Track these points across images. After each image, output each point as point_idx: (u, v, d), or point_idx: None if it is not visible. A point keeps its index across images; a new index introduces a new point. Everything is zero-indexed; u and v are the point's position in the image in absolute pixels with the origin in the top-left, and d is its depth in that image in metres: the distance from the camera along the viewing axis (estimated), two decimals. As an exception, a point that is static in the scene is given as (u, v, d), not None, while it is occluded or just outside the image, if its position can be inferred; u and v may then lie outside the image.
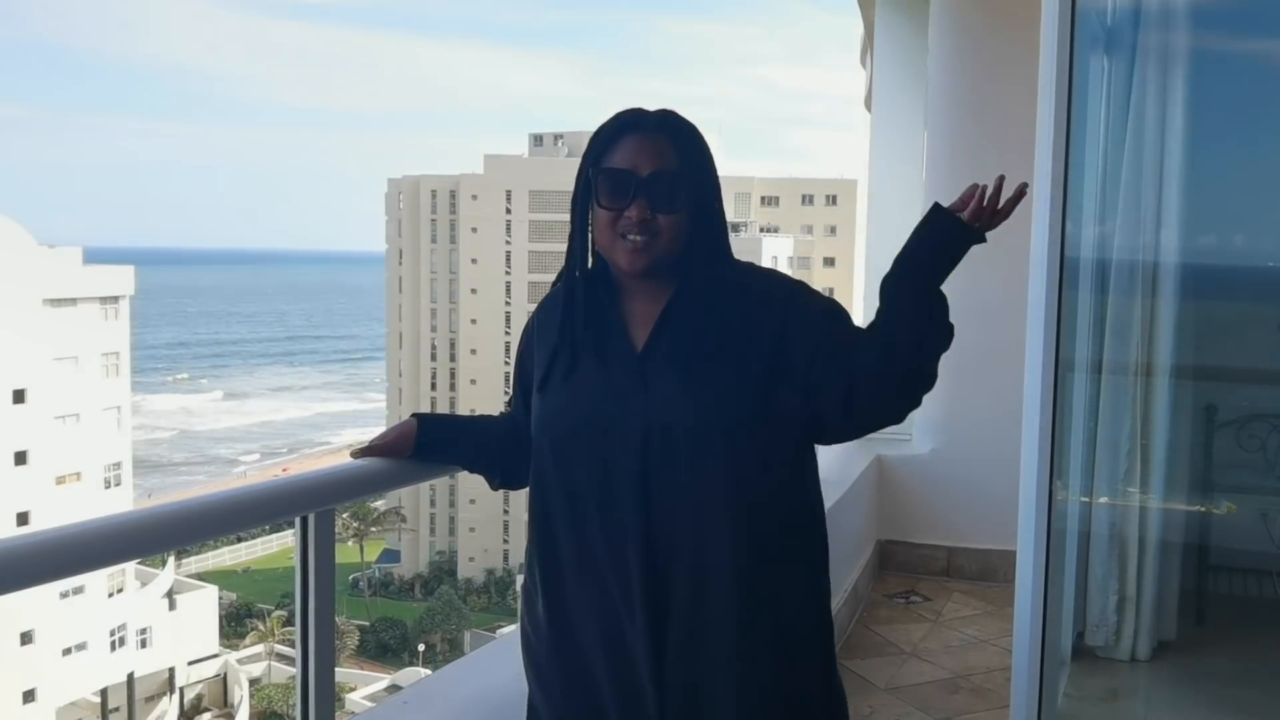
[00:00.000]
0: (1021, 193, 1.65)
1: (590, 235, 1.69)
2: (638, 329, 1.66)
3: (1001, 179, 1.61)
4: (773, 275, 1.71)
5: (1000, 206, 1.61)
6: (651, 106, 1.71)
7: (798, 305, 1.65)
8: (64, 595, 27.91)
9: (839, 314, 1.67)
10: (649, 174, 1.62)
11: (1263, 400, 3.91)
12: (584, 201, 1.67)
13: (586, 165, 1.67)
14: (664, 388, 1.61)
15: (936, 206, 1.62)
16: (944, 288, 1.62)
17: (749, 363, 1.61)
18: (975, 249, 1.63)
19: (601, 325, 1.68)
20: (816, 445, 1.71)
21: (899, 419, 1.66)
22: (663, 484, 1.59)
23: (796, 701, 1.68)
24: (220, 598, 39.41)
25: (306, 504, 1.78)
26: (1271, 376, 3.88)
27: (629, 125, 1.66)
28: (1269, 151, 3.64)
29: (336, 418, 79.90)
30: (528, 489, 1.75)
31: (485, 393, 57.93)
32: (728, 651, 1.62)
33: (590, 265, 1.70)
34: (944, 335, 1.62)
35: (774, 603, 1.64)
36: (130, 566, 30.55)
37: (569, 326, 1.69)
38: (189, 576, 40.84)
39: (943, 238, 1.60)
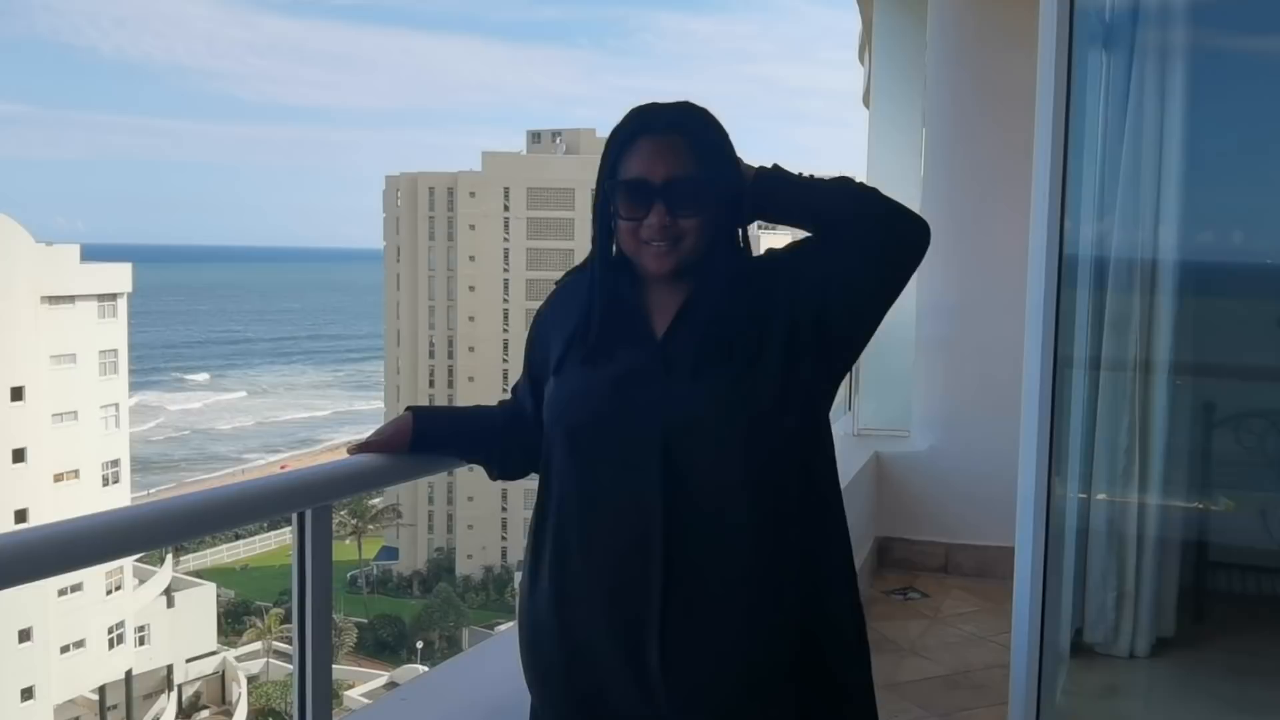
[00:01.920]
0: None
1: (610, 236, 1.69)
2: (658, 318, 1.67)
3: None
4: (772, 251, 1.72)
5: None
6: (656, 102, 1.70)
7: (795, 252, 1.69)
8: (62, 593, 27.92)
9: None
10: (664, 181, 1.61)
11: (1261, 397, 3.91)
12: (604, 209, 1.68)
13: (603, 175, 1.67)
14: (685, 376, 1.61)
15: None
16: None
17: (768, 346, 1.61)
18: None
19: (622, 313, 1.68)
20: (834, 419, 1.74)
21: (899, 240, 1.65)
22: (684, 472, 1.59)
23: (817, 698, 1.65)
24: (218, 595, 39.42)
25: (303, 500, 1.78)
26: (1270, 373, 3.88)
27: (641, 128, 1.66)
28: (1267, 148, 3.64)
29: (354, 416, 79.78)
30: (537, 475, 1.73)
31: (483, 390, 57.87)
32: (749, 642, 1.61)
33: (612, 254, 1.70)
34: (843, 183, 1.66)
35: (798, 588, 1.63)
36: (128, 564, 30.56)
37: (590, 312, 1.69)
38: (187, 574, 40.90)
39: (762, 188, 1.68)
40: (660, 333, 1.65)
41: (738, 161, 1.69)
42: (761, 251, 1.74)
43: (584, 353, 1.67)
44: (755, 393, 1.60)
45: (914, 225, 1.64)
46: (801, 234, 1.71)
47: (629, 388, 1.63)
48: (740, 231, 1.70)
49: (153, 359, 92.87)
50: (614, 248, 1.70)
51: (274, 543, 54.36)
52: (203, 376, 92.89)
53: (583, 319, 1.69)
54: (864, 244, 1.62)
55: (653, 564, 1.59)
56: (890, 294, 1.67)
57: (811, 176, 1.69)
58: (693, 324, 1.63)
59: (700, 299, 1.65)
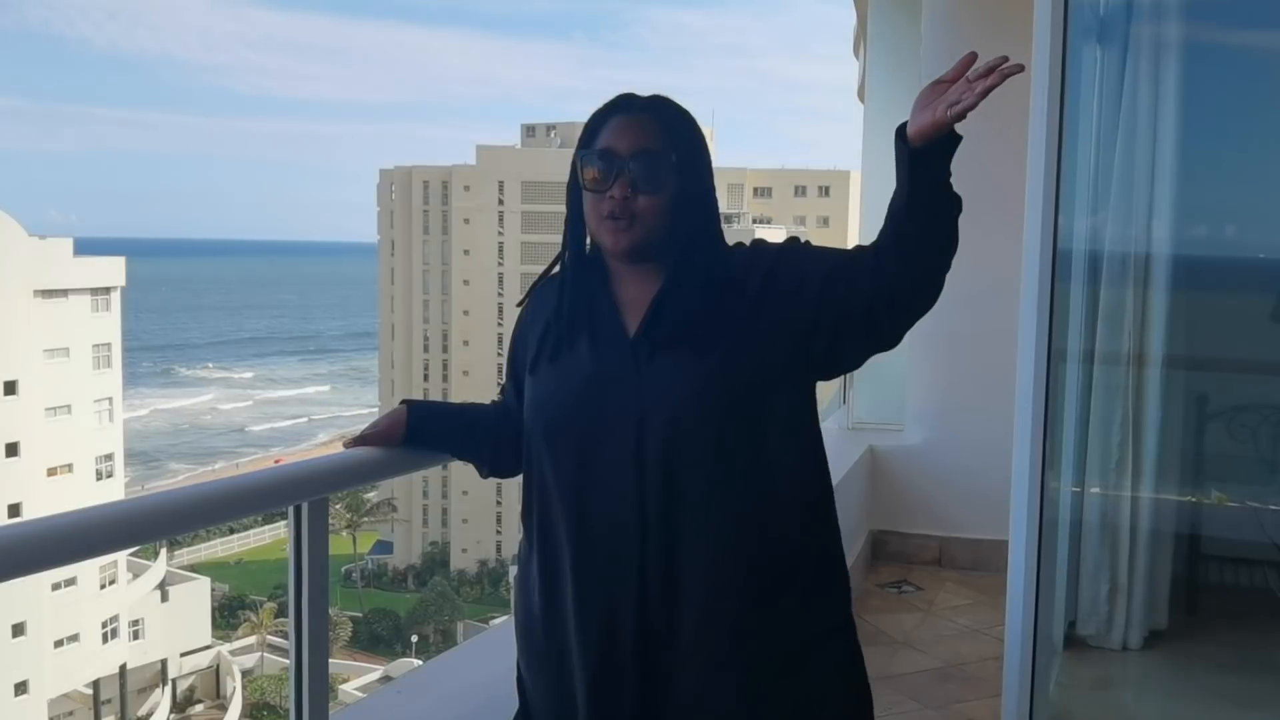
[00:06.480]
0: (1009, 71, 1.47)
1: (583, 227, 1.69)
2: (630, 314, 1.66)
3: (1000, 60, 1.47)
4: (760, 243, 1.70)
5: (983, 87, 1.46)
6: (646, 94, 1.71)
7: (787, 255, 1.64)
8: (56, 587, 27.88)
9: (832, 249, 1.66)
10: (630, 153, 1.62)
11: (1254, 391, 3.92)
12: (576, 187, 1.68)
13: (577, 150, 1.68)
14: (657, 373, 1.60)
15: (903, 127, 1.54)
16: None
17: (744, 341, 1.60)
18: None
19: (593, 309, 1.68)
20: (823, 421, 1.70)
21: (911, 323, 1.61)
22: (656, 471, 1.58)
23: (805, 699, 1.65)
24: (212, 589, 39.38)
25: (299, 494, 1.78)
26: (1263, 367, 3.89)
27: (617, 108, 1.68)
28: (1260, 143, 3.65)
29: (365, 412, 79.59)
30: (521, 474, 1.74)
31: (478, 385, 57.82)
32: (729, 643, 1.61)
33: (585, 250, 1.71)
34: (946, 240, 1.55)
35: (777, 587, 1.62)
36: (122, 558, 30.51)
37: (560, 310, 1.69)
38: (181, 568, 40.80)
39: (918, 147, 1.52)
40: (633, 327, 1.65)
41: (707, 156, 1.69)
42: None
43: (555, 351, 1.68)
44: (728, 388, 1.59)
45: (928, 297, 1.58)
46: (795, 232, 1.69)
47: (602, 385, 1.63)
48: (716, 226, 1.69)
49: (167, 355, 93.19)
50: (587, 241, 1.70)
51: (268, 537, 54.33)
52: (248, 374, 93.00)
53: (554, 317, 1.69)
54: (884, 280, 1.55)
55: (631, 558, 1.59)
56: (875, 343, 1.62)
57: (950, 192, 1.54)
58: (664, 319, 1.62)
59: (671, 292, 1.63)
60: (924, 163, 1.51)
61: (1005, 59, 1.47)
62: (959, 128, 1.50)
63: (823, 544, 1.70)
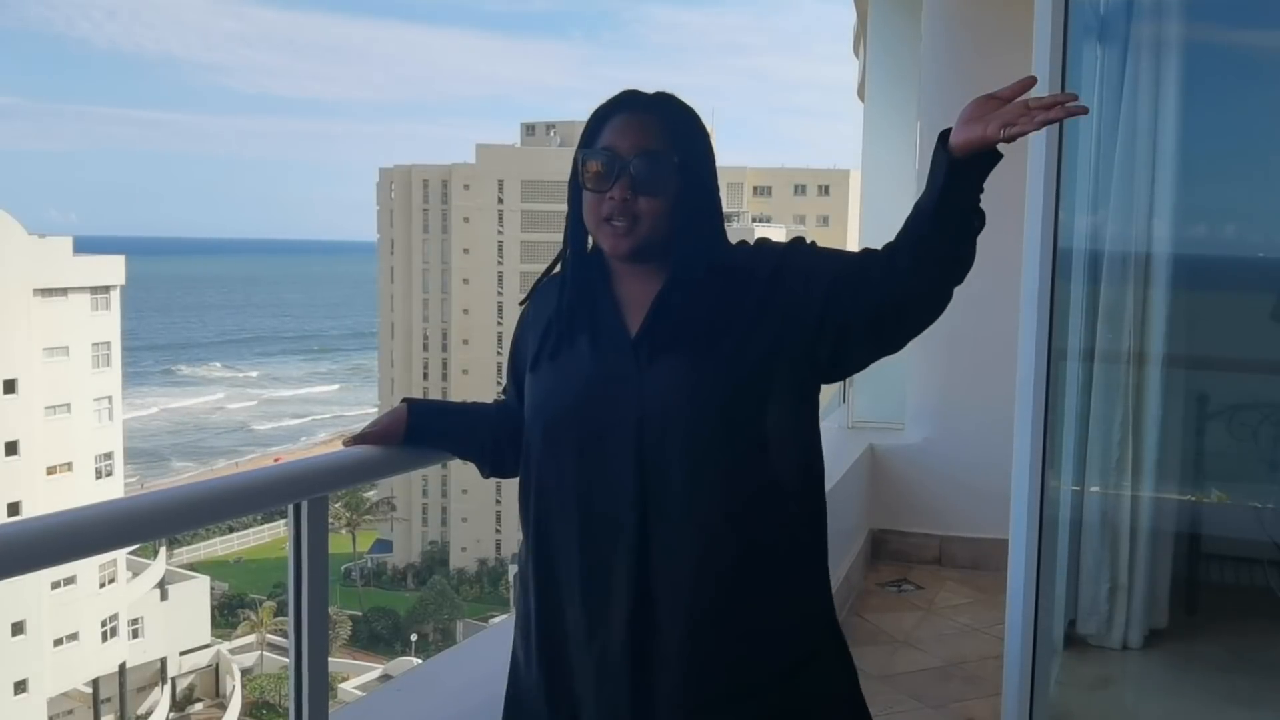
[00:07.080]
0: (1074, 111, 1.47)
1: (584, 226, 1.68)
2: (631, 312, 1.65)
3: (1065, 96, 1.49)
4: (765, 242, 1.69)
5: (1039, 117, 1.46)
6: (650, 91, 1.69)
7: (793, 255, 1.63)
8: (55, 585, 27.88)
9: (839, 251, 1.66)
10: (633, 154, 1.60)
11: (1254, 390, 3.92)
12: (577, 185, 1.67)
13: (579, 147, 1.66)
14: (659, 373, 1.60)
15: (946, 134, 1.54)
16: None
17: (747, 342, 1.59)
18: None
19: (593, 307, 1.67)
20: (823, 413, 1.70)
21: (918, 332, 1.61)
22: (658, 466, 1.58)
23: (796, 701, 1.64)
24: (212, 588, 39.38)
25: (299, 492, 1.77)
26: (1263, 366, 3.89)
27: (620, 105, 1.66)
28: (1260, 142, 3.64)
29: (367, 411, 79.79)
30: (519, 474, 1.74)
31: (477, 383, 57.82)
32: (721, 646, 1.60)
33: (586, 248, 1.70)
34: (964, 253, 1.55)
35: (773, 593, 1.62)
36: (121, 557, 30.52)
37: (560, 309, 1.68)
38: (180, 567, 40.79)
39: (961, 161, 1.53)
40: (634, 327, 1.64)
41: (711, 156, 1.67)
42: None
43: (555, 350, 1.67)
44: (729, 390, 1.58)
45: (935, 306, 1.58)
46: (795, 231, 1.68)
47: (602, 385, 1.62)
48: (719, 225, 1.68)
49: (174, 354, 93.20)
50: (589, 240, 1.69)
51: (268, 535, 54.34)
52: (253, 373, 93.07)
53: (555, 316, 1.69)
54: (895, 279, 1.55)
55: (624, 555, 1.59)
56: (879, 347, 1.61)
57: (978, 207, 1.56)
58: (666, 318, 1.62)
59: (673, 291, 1.62)
60: (962, 174, 1.51)
61: (1074, 96, 1.48)
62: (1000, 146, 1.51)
63: (811, 550, 1.69)
